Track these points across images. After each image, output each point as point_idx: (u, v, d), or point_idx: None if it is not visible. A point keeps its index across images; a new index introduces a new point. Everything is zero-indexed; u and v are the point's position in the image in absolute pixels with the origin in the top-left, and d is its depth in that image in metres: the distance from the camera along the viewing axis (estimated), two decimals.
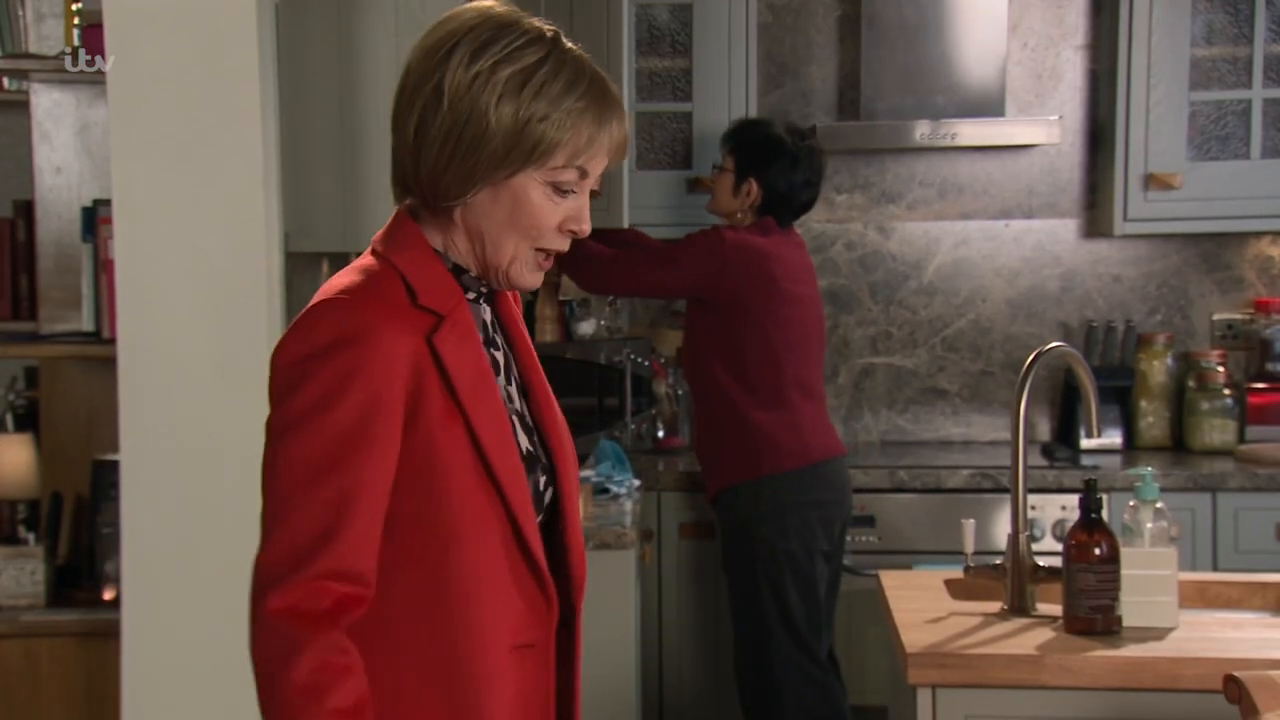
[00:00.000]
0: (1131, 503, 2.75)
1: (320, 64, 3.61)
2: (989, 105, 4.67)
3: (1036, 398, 4.91)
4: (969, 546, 2.88)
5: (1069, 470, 4.44)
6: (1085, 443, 4.70)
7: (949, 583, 3.03)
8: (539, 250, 1.87)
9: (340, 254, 4.46)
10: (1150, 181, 4.59)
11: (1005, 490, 4.37)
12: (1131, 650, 2.57)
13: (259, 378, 3.34)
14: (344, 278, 1.86)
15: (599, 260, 3.99)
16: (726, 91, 4.66)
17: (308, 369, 1.77)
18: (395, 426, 1.78)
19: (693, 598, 4.43)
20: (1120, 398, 4.78)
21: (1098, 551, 2.65)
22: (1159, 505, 2.73)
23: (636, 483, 4.08)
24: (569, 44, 1.84)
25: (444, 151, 1.81)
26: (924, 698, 2.56)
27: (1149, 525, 2.72)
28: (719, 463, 4.01)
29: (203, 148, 3.27)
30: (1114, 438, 4.74)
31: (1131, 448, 4.79)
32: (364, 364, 1.76)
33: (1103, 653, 2.56)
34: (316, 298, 1.84)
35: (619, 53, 4.69)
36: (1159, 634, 2.66)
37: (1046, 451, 4.71)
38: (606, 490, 3.96)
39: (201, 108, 3.26)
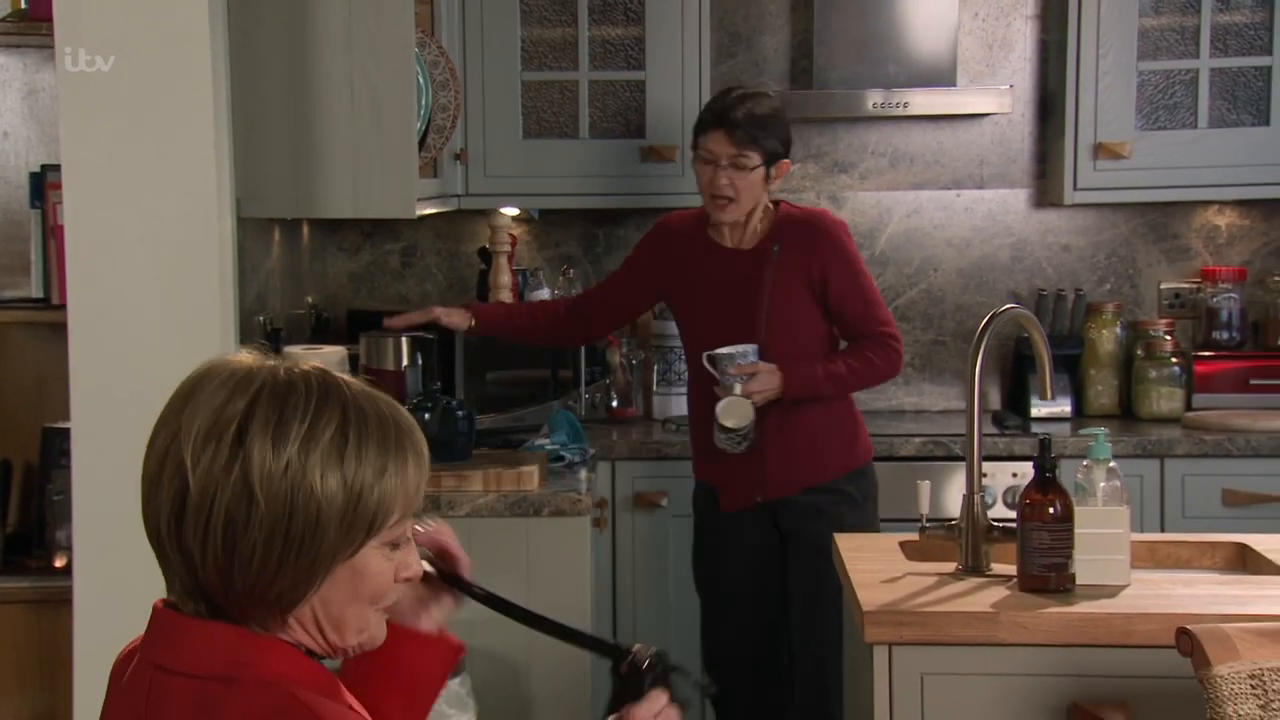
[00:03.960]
0: (1085, 462, 2.78)
1: (272, 27, 3.58)
2: (941, 75, 4.69)
3: (988, 365, 4.94)
4: (924, 507, 2.89)
5: (1020, 438, 4.46)
6: (1035, 410, 4.73)
7: (904, 544, 3.05)
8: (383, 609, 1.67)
9: (292, 220, 4.44)
10: (1099, 151, 4.62)
11: (958, 458, 4.40)
12: (1085, 607, 2.59)
13: (211, 342, 3.34)
14: None
15: (876, 366, 3.85)
16: (680, 60, 4.65)
17: None
18: None
19: (647, 567, 4.43)
20: (1070, 366, 4.81)
21: (1052, 510, 2.67)
22: (1112, 465, 2.76)
23: (591, 451, 4.09)
24: (343, 381, 1.63)
25: (270, 556, 1.55)
26: (880, 655, 2.58)
27: (1102, 484, 2.75)
28: (831, 452, 3.89)
29: (152, 112, 3.24)
30: (1064, 406, 4.77)
31: (1081, 415, 4.83)
32: None
33: (1056, 609, 2.58)
34: None
35: (573, 20, 4.69)
36: (1111, 591, 2.68)
37: (997, 420, 4.74)
38: (561, 458, 3.96)
39: (151, 71, 3.23)
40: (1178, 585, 2.76)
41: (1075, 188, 4.64)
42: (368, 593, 1.63)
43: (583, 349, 4.63)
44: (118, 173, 3.23)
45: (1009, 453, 4.41)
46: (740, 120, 3.78)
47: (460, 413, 3.76)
